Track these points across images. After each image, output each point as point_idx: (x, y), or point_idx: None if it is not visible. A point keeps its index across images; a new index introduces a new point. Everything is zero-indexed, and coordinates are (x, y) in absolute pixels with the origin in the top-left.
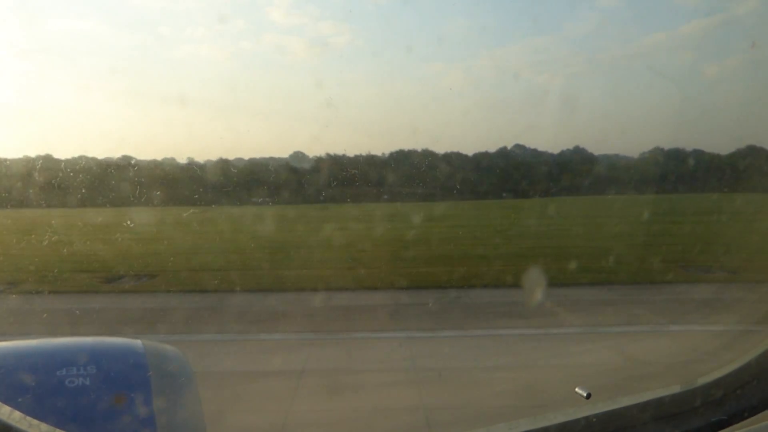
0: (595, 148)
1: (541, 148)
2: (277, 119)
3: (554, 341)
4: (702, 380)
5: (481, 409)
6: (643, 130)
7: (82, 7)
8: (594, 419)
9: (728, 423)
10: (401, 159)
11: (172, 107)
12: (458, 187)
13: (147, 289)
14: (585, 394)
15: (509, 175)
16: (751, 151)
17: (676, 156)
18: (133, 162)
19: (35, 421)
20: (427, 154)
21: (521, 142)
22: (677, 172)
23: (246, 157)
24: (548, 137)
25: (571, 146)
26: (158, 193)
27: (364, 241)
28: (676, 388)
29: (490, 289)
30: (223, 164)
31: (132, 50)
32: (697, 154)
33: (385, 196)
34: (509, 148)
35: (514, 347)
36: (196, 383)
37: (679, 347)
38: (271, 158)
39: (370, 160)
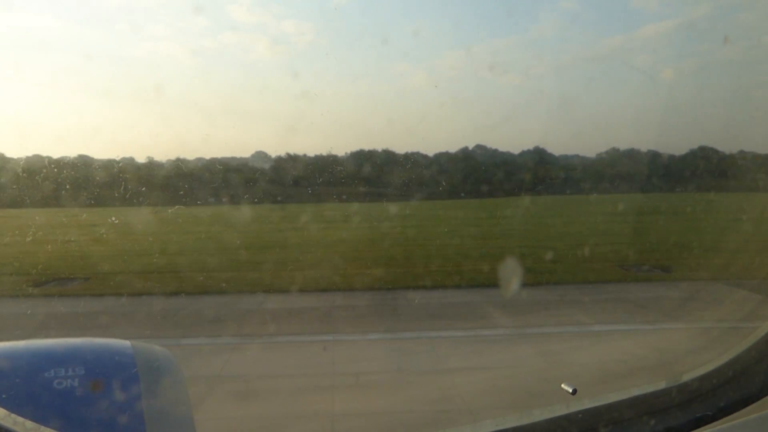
0: (555, 148)
1: (502, 149)
2: (240, 118)
3: (480, 343)
4: (687, 376)
5: (391, 414)
6: (601, 130)
7: (37, 3)
8: (580, 415)
9: (713, 418)
10: (362, 159)
11: (131, 106)
12: (417, 187)
13: (73, 292)
14: (571, 390)
15: (469, 176)
16: (704, 152)
17: (631, 156)
18: (89, 161)
19: (20, 419)
20: (388, 154)
21: (482, 143)
22: (632, 173)
23: (207, 157)
24: (509, 138)
25: (531, 147)
26: (115, 193)
27: (307, 242)
28: (661, 384)
29: (425, 290)
30: (182, 164)
31: (90, 47)
32: (652, 154)
33: (344, 197)
34: (470, 148)
35: (437, 350)
36: (185, 384)
37: (600, 348)
38: (233, 158)
39: (331, 160)
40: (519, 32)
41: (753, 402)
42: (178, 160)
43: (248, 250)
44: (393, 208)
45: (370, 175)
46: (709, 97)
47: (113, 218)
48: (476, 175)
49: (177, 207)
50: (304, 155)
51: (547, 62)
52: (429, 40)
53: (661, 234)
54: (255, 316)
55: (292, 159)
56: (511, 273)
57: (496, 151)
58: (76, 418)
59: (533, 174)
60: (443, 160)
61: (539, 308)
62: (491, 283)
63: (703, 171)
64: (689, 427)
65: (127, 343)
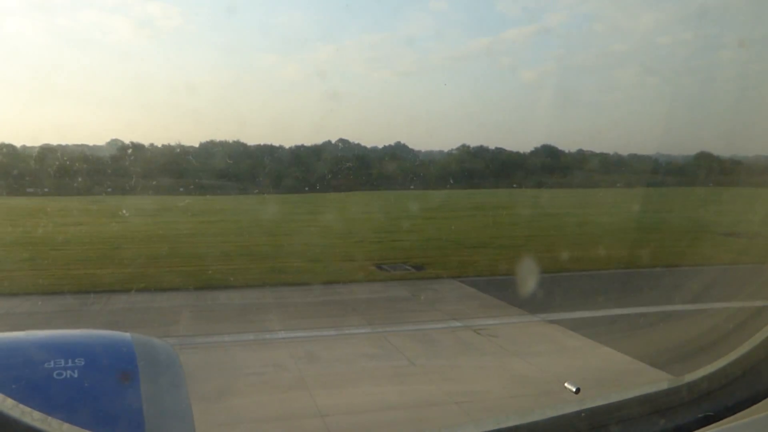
0: (416, 143)
1: (364, 143)
2: (96, 104)
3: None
4: (690, 376)
5: None
6: (456, 127)
7: None
8: (583, 414)
9: (715, 418)
10: (211, 150)
11: None
12: (262, 180)
13: None
14: (574, 389)
15: (327, 169)
16: (547, 151)
17: (480, 153)
18: None
19: (27, 409)
20: (238, 146)
21: (345, 137)
22: (479, 168)
23: (54, 143)
24: (372, 132)
25: (392, 142)
26: None
27: (82, 238)
28: (663, 384)
29: (137, 293)
30: (28, 151)
31: None
32: (499, 151)
33: (181, 189)
34: (333, 142)
35: None
36: (184, 376)
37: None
38: (84, 145)
39: (181, 150)
40: (390, 29)
41: (760, 400)
42: (24, 147)
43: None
44: (217, 202)
45: (216, 167)
46: (559, 99)
47: None
48: (329, 169)
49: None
50: (152, 144)
51: (416, 60)
52: (301, 33)
53: (440, 231)
54: None
55: (137, 148)
56: (244, 274)
57: (358, 145)
58: (75, 408)
59: (379, 169)
60: (301, 153)
61: (235, 314)
62: (221, 284)
63: (544, 168)
64: (696, 425)
65: (127, 335)
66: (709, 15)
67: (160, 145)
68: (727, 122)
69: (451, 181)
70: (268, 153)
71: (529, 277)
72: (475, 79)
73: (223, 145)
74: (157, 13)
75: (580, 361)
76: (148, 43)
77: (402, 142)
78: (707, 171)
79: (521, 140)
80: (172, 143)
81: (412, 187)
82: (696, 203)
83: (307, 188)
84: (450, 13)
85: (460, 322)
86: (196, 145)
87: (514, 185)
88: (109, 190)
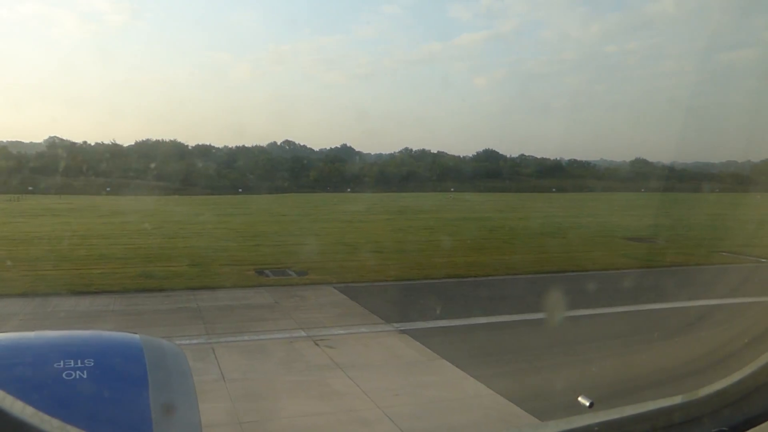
0: (363, 146)
1: (311, 145)
2: (38, 100)
3: None
4: (704, 391)
5: None
6: (403, 131)
7: None
8: (596, 428)
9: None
10: (148, 150)
11: None
12: (196, 180)
13: None
14: (588, 404)
15: (265, 170)
16: (488, 155)
17: (422, 157)
18: None
19: (47, 417)
20: (176, 146)
21: (292, 139)
22: (417, 172)
23: None
24: (321, 134)
25: (339, 144)
26: None
27: None
28: (678, 399)
29: None
30: None
31: None
32: (440, 155)
33: (108, 189)
34: (279, 143)
35: None
36: (192, 378)
37: None
38: (19, 142)
39: (113, 149)
40: (344, 32)
41: None
42: None
43: None
44: (136, 203)
45: (147, 167)
46: (507, 104)
47: None
48: (266, 170)
49: None
50: (84, 142)
51: (369, 63)
52: (253, 32)
53: (348, 235)
54: None
55: (68, 146)
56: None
57: (304, 147)
58: (83, 409)
59: (318, 172)
60: (240, 154)
61: (60, 323)
62: (75, 289)
63: (484, 172)
64: None
65: (136, 336)
66: (654, 26)
67: (93, 143)
68: (668, 129)
69: (388, 185)
70: (206, 153)
71: (413, 283)
72: (427, 83)
73: (161, 144)
74: (105, 8)
75: (403, 377)
76: (93, 39)
77: (348, 144)
78: (643, 177)
79: (465, 144)
80: (107, 141)
81: (348, 190)
82: (618, 208)
83: (240, 190)
84: (403, 18)
85: (305, 332)
86: (132, 143)
87: (452, 189)
88: (30, 189)
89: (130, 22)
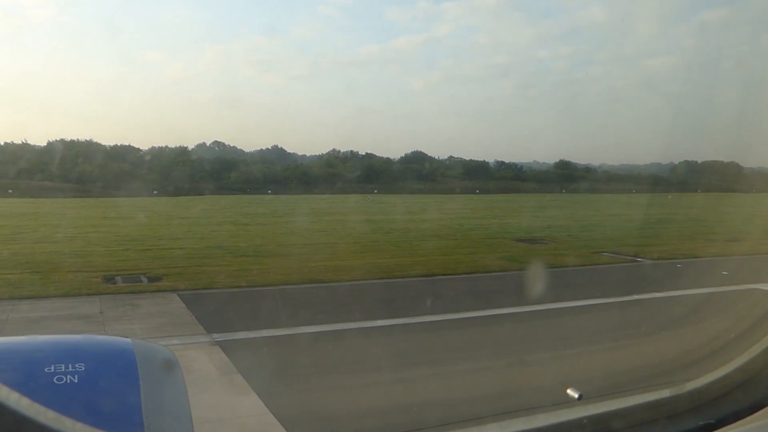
0: (294, 147)
1: (242, 146)
2: None
3: None
4: (691, 385)
5: None
6: (334, 132)
7: None
8: (585, 421)
9: (721, 424)
10: (61, 150)
11: None
12: (107, 181)
13: None
14: (577, 396)
15: (185, 172)
16: (416, 157)
17: (350, 158)
18: None
19: (42, 408)
20: (92, 146)
21: (221, 140)
22: (342, 173)
23: None
24: (254, 136)
25: (270, 145)
26: None
27: None
28: (665, 392)
29: None
30: None
31: None
32: (369, 156)
33: (10, 190)
34: (209, 144)
35: None
36: (184, 382)
37: None
38: None
39: (23, 149)
40: (281, 33)
41: (762, 407)
42: None
43: None
44: (15, 206)
45: (58, 167)
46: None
47: None
48: (187, 172)
49: None
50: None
51: (306, 64)
52: (188, 31)
53: (230, 238)
54: None
55: None
56: None
57: (234, 148)
58: (75, 413)
59: (241, 173)
60: (162, 155)
61: None
62: None
63: (411, 174)
64: None
65: (128, 340)
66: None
67: (2, 143)
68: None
69: (312, 187)
70: (126, 154)
71: (269, 289)
72: (363, 85)
73: (75, 144)
74: (29, 2)
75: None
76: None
77: (279, 145)
78: (565, 179)
79: (398, 146)
80: (17, 141)
81: (269, 192)
82: (528, 209)
83: (155, 192)
84: (341, 20)
85: None
86: (44, 143)
87: (375, 191)
88: None
89: (56, 18)
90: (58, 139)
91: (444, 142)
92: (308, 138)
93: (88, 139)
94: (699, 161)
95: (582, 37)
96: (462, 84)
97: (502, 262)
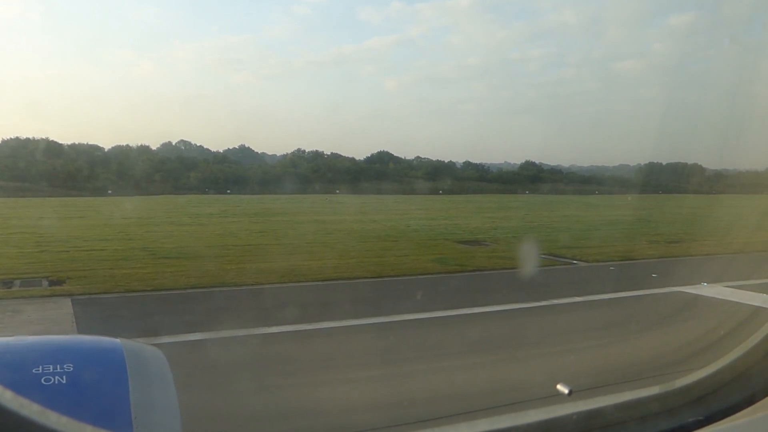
0: (261, 147)
1: (209, 146)
2: None
3: None
4: (680, 381)
5: None
6: (302, 132)
7: None
8: (575, 417)
9: (710, 421)
10: (15, 148)
11: None
12: (63, 181)
13: None
14: (566, 392)
15: (144, 171)
16: (383, 157)
17: (314, 158)
18: None
19: (26, 401)
20: (48, 144)
21: (188, 139)
22: (305, 173)
23: None
24: (221, 135)
25: (237, 145)
26: None
27: None
28: (655, 389)
29: None
30: None
31: None
32: (334, 156)
33: None
34: (174, 143)
35: None
36: (173, 382)
37: None
38: None
39: None
40: (253, 32)
41: (753, 403)
42: None
43: None
44: None
45: (8, 166)
46: (411, 107)
47: None
48: (146, 171)
49: None
50: None
51: (278, 64)
52: (158, 29)
53: (158, 241)
54: None
55: None
56: None
57: (201, 147)
58: (63, 414)
59: (203, 173)
60: (121, 154)
61: None
62: None
63: (376, 174)
64: (689, 428)
65: (117, 340)
66: (555, 35)
67: None
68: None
69: (275, 186)
70: (85, 153)
71: (177, 293)
72: (335, 85)
73: (30, 142)
74: None
75: None
76: None
77: (247, 145)
78: (531, 179)
79: (365, 146)
80: None
81: (228, 192)
82: (484, 210)
83: (110, 191)
84: (314, 19)
85: None
86: None
87: (337, 191)
88: None
89: (22, 14)
90: (12, 137)
91: (414, 143)
92: (277, 138)
93: (44, 137)
94: (663, 163)
95: (553, 39)
96: (434, 84)
97: (432, 264)
